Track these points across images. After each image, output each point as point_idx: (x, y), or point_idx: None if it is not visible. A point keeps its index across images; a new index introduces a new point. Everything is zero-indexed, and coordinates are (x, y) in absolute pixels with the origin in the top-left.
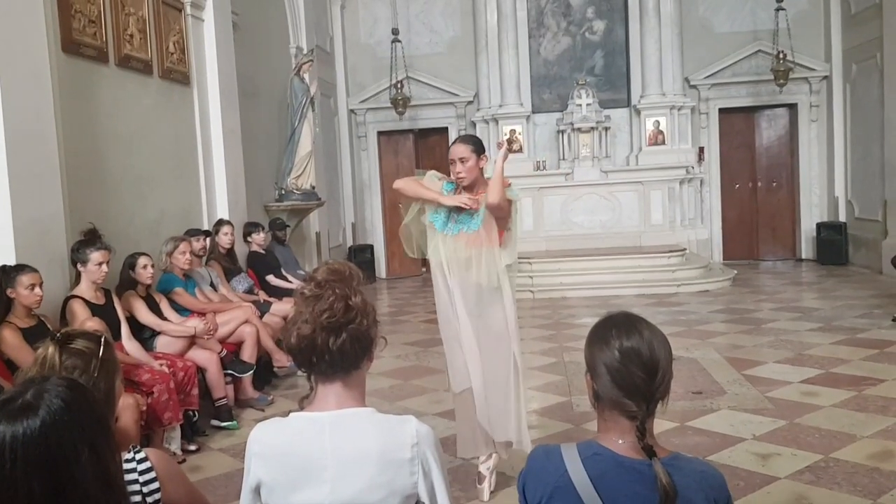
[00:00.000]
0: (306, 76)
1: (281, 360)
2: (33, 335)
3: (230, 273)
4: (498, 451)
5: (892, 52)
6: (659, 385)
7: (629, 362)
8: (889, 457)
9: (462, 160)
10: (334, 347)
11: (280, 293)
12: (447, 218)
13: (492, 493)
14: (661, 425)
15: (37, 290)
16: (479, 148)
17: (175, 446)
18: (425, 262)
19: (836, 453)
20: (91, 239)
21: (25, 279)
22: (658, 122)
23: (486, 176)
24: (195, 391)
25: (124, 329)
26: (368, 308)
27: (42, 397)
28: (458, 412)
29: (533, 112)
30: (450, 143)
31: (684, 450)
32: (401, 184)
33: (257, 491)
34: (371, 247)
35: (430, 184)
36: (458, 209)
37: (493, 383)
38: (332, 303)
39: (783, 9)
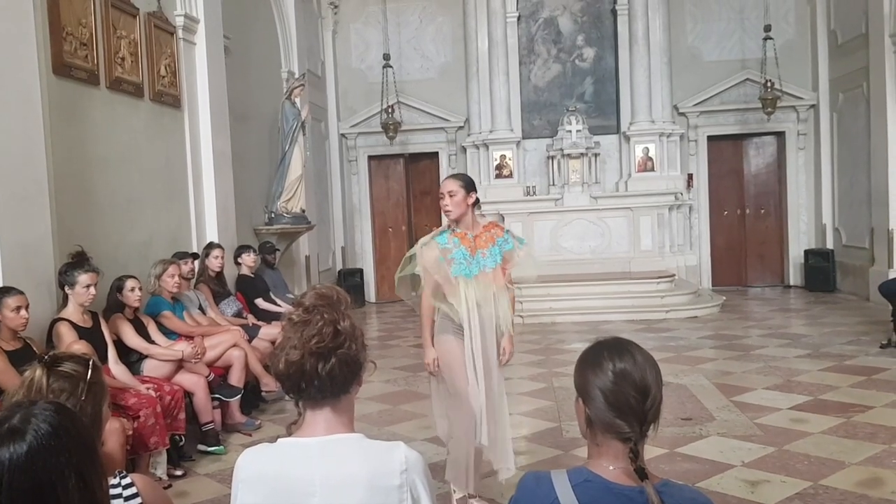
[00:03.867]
0: (297, 100)
1: (269, 384)
2: (19, 358)
3: (219, 296)
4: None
5: (878, 81)
6: (651, 406)
7: (623, 382)
8: (878, 484)
9: (450, 193)
10: (323, 373)
11: (269, 317)
12: (464, 263)
13: None
14: (650, 451)
15: (23, 312)
16: (468, 185)
17: (161, 471)
18: (415, 287)
19: (825, 480)
20: (79, 261)
21: (11, 301)
22: (647, 148)
23: (478, 215)
24: (182, 415)
25: (111, 352)
26: (357, 332)
27: (29, 422)
28: (457, 444)
29: (523, 138)
30: (440, 169)
31: (674, 476)
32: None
33: None
34: (361, 271)
35: (430, 260)
36: (472, 252)
37: (492, 411)
38: (321, 328)
39: (771, 38)
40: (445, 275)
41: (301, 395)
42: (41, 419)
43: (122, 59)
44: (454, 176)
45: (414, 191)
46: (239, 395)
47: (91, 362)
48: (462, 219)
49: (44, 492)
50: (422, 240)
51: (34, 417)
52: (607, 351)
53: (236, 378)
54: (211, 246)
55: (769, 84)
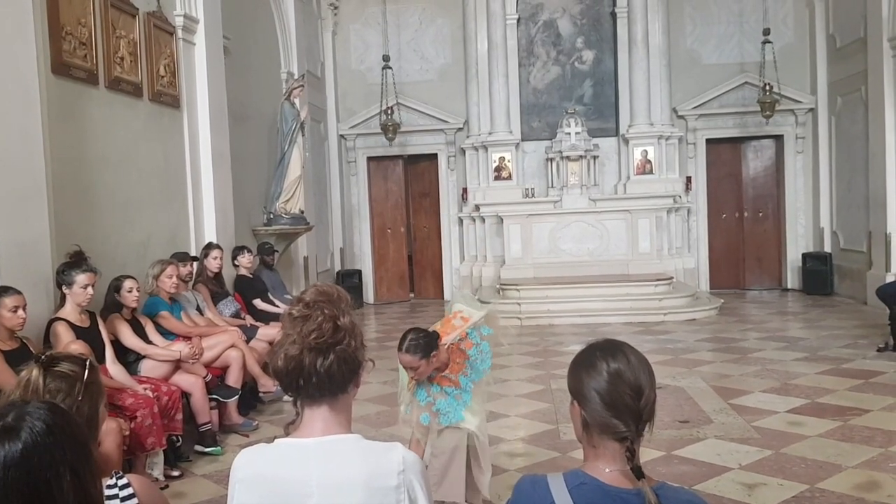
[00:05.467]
0: (297, 101)
1: (267, 385)
2: (16, 358)
3: (217, 297)
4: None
5: (876, 85)
6: (646, 404)
7: (618, 381)
8: (874, 487)
9: (413, 369)
10: (322, 369)
11: (267, 318)
12: (452, 408)
13: None
14: (647, 454)
15: (20, 312)
16: (425, 350)
17: (158, 472)
18: (413, 288)
19: (821, 483)
20: (77, 261)
21: (9, 301)
22: (646, 151)
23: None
24: (179, 416)
25: (109, 352)
26: (356, 330)
27: (24, 419)
28: (454, 462)
29: (522, 140)
30: (439, 170)
31: (671, 479)
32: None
33: None
34: (359, 272)
35: (419, 426)
36: (456, 384)
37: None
38: (321, 323)
39: (770, 41)
40: (433, 434)
41: (299, 393)
42: (35, 417)
43: (122, 58)
44: (408, 350)
45: (413, 192)
46: (236, 396)
47: (88, 362)
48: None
49: (39, 489)
50: (405, 393)
51: (28, 415)
52: (600, 352)
53: (234, 379)
54: (210, 246)
55: (768, 87)
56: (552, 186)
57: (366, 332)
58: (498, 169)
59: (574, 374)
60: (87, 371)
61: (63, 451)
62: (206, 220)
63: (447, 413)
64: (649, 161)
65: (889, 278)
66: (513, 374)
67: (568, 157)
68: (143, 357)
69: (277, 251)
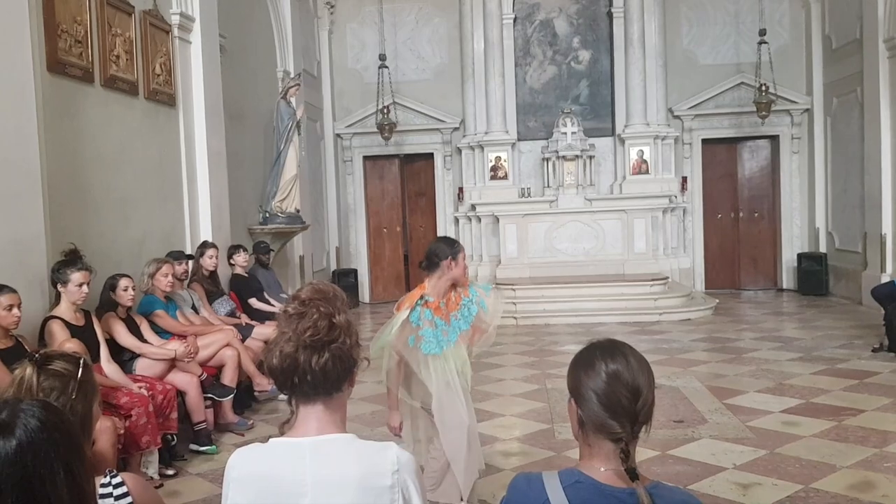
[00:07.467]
0: (293, 100)
1: (262, 384)
2: (10, 356)
3: (213, 296)
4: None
5: (871, 86)
6: (643, 406)
7: (615, 382)
8: (869, 487)
9: (465, 268)
10: (317, 367)
11: (262, 317)
12: (435, 340)
13: None
14: (642, 454)
15: (14, 310)
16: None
17: (152, 471)
18: (409, 287)
19: (816, 483)
20: (72, 259)
21: (3, 300)
22: (642, 151)
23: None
24: (174, 415)
25: (103, 351)
26: (352, 328)
27: (18, 416)
28: (460, 456)
29: (518, 139)
30: (435, 170)
31: (665, 478)
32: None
33: None
34: (355, 271)
35: (403, 343)
36: (446, 319)
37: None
38: (316, 321)
39: (766, 42)
40: (416, 359)
41: (294, 391)
42: (29, 414)
43: (117, 56)
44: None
45: (409, 191)
46: (231, 395)
47: (82, 361)
48: (434, 288)
49: (33, 486)
50: (400, 316)
51: (22, 413)
52: (600, 352)
53: (229, 378)
54: (205, 245)
55: (764, 88)
56: (548, 186)
57: (361, 331)
58: (494, 168)
59: (573, 372)
60: (80, 370)
61: (57, 448)
62: (202, 219)
63: (430, 342)
64: (645, 161)
65: (884, 279)
66: (508, 373)
67: (564, 157)
68: (138, 356)
69: (273, 250)
